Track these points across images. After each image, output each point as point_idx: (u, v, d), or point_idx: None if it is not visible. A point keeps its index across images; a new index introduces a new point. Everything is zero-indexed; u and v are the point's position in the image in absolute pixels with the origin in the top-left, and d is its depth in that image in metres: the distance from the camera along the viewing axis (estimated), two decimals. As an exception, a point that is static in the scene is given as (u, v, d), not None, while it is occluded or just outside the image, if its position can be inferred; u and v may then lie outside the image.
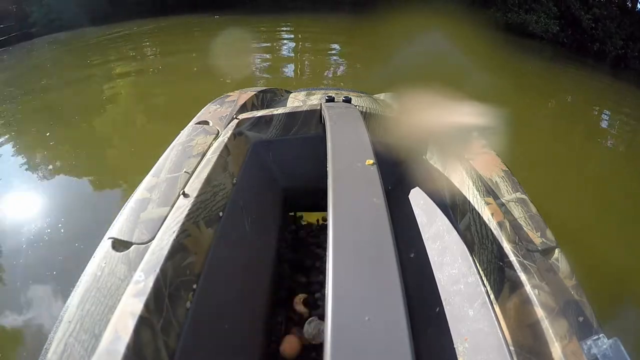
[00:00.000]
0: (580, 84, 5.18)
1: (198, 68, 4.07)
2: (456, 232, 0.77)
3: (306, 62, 5.09)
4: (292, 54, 5.30)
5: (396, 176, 1.02)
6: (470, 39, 5.24)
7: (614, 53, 6.51)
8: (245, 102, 1.13)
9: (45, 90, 3.89)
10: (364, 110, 1.02)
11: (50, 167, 2.58)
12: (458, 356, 0.63)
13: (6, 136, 3.00)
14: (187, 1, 6.68)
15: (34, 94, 3.76)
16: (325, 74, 4.66)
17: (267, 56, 5.06)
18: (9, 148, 2.86)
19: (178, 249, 0.58)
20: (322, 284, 1.04)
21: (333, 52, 5.55)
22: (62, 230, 1.90)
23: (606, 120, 4.32)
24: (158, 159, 0.80)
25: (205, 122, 0.98)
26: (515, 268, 0.61)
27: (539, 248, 0.65)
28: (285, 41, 5.69)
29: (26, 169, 2.56)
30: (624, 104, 4.83)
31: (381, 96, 1.49)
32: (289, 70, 4.71)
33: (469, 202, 0.77)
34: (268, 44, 5.54)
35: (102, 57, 4.87)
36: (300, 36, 5.89)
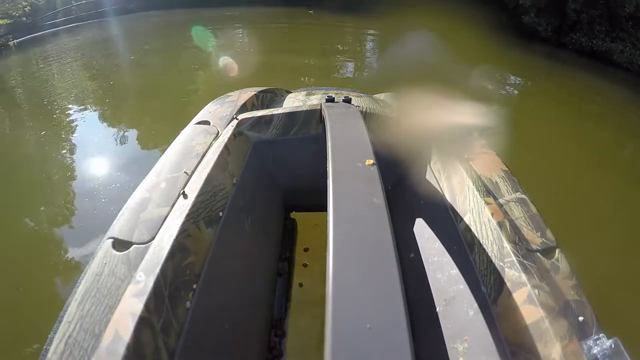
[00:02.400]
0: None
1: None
2: (456, 232, 0.77)
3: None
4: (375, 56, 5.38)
5: (396, 176, 1.02)
6: (556, 63, 5.32)
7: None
8: (245, 102, 1.12)
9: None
10: (364, 110, 1.02)
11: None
12: (458, 356, 0.63)
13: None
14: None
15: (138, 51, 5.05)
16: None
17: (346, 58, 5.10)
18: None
19: (178, 249, 0.58)
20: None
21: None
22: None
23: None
24: (158, 159, 0.80)
25: (206, 122, 0.98)
26: (515, 268, 0.61)
27: (539, 248, 0.65)
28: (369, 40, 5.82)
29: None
30: None
31: (381, 96, 1.49)
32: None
33: (469, 202, 0.77)
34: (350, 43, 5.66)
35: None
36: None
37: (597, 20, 6.59)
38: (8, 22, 5.60)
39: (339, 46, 5.43)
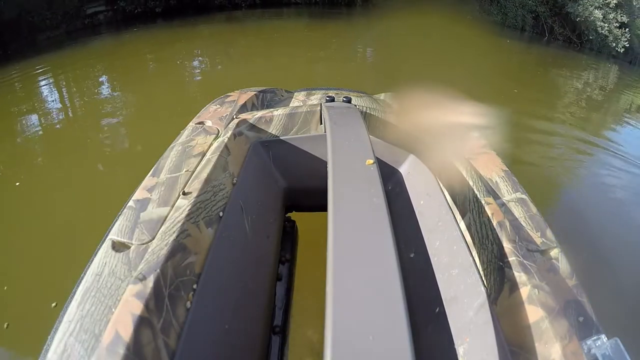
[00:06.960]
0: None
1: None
2: (456, 232, 0.77)
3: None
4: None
5: (396, 176, 1.02)
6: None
7: None
8: (245, 102, 1.12)
9: None
10: (364, 110, 1.02)
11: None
12: (458, 356, 0.63)
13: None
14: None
15: None
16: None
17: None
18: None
19: (178, 249, 0.58)
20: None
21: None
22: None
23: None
24: (158, 159, 0.80)
25: (205, 122, 0.98)
26: (515, 268, 0.60)
27: (539, 248, 0.65)
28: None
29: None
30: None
31: (381, 96, 1.49)
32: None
33: (469, 202, 0.77)
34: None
35: None
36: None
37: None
38: None
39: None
